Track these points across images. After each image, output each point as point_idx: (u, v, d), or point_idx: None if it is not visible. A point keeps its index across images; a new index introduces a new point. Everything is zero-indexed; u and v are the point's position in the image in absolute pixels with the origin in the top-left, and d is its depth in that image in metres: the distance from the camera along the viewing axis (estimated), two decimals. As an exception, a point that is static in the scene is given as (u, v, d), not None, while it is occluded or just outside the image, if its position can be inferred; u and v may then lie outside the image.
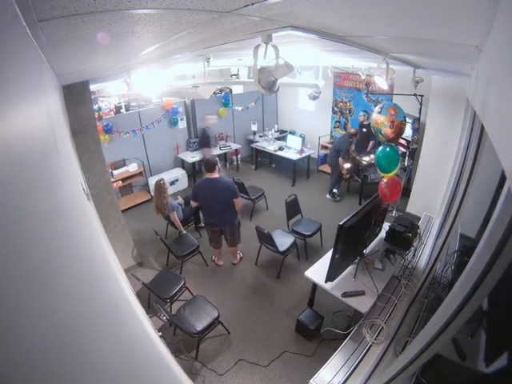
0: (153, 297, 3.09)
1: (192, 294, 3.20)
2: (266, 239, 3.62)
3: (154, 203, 3.92)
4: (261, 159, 7.05)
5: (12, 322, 0.32)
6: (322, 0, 0.90)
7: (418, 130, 4.63)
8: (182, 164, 6.18)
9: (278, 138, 7.08)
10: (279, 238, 3.68)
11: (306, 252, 3.97)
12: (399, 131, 2.26)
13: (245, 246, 4.08)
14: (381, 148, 2.45)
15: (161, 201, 3.83)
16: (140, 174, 5.45)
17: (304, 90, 6.59)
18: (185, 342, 2.89)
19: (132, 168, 5.32)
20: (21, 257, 0.38)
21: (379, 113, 2.27)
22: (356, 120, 6.00)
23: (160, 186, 3.82)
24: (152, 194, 5.51)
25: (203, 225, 4.60)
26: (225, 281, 3.71)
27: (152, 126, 5.54)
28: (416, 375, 1.77)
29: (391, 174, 2.47)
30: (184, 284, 3.12)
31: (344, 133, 5.89)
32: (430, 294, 2.52)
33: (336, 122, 6.65)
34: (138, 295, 3.44)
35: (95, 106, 4.60)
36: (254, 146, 6.75)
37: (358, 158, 5.24)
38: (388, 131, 2.24)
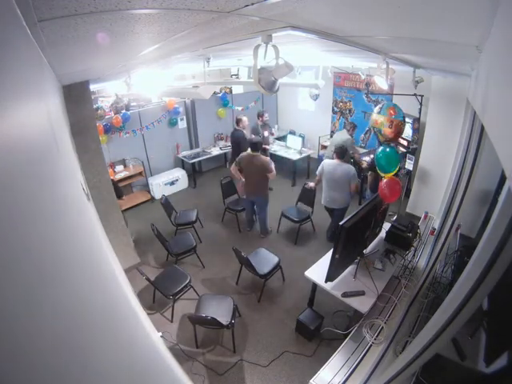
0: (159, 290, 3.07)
1: (197, 293, 3.21)
2: (244, 262, 3.34)
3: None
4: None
5: (13, 322, 0.32)
6: (322, 1, 0.90)
7: (418, 129, 4.62)
8: (182, 164, 6.18)
9: (278, 138, 7.08)
10: (261, 259, 3.40)
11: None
12: (399, 131, 2.27)
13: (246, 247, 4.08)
14: (381, 148, 2.46)
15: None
16: (140, 174, 5.45)
17: (304, 90, 6.59)
18: (185, 343, 2.90)
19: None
20: (21, 256, 0.38)
21: (379, 113, 2.29)
22: (357, 120, 5.98)
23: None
24: (152, 193, 5.55)
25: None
26: (223, 280, 3.72)
27: (152, 126, 5.54)
28: (416, 375, 1.77)
29: (390, 175, 2.47)
30: (189, 282, 3.12)
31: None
32: (430, 294, 2.52)
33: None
34: (142, 291, 3.45)
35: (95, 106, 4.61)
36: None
37: (357, 156, 5.23)
38: (387, 131, 2.25)
